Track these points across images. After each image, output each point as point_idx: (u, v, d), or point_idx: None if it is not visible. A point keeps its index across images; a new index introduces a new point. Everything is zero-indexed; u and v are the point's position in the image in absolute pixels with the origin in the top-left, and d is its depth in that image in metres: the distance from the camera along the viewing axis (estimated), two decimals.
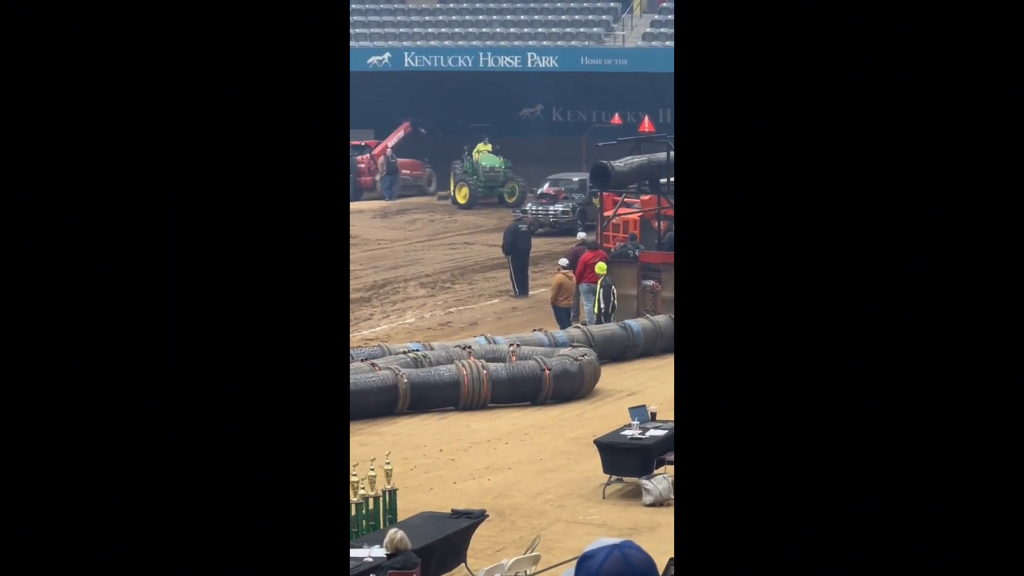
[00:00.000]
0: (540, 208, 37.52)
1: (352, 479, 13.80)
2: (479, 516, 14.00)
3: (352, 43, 46.16)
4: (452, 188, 43.38)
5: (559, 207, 37.42)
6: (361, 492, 13.79)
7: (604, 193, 29.17)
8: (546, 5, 46.85)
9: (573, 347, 22.12)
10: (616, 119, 42.77)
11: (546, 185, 39.21)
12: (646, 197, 30.04)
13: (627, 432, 16.57)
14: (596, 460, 16.55)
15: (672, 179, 25.85)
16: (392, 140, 45.78)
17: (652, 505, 15.74)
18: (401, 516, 14.09)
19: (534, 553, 12.93)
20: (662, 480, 15.72)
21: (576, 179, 38.84)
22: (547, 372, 20.75)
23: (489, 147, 43.17)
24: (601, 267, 25.55)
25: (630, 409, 17.30)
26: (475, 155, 42.92)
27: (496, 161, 42.71)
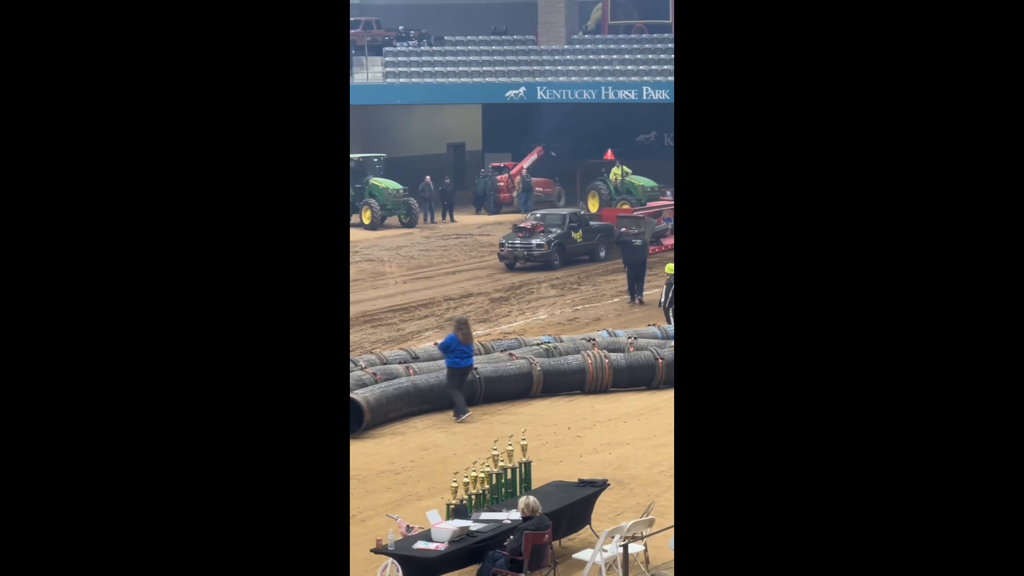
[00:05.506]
0: (519, 242, 33.91)
1: (493, 452, 13.87)
2: (602, 485, 13.98)
3: (492, 79, 46.30)
4: (593, 203, 42.78)
5: (535, 241, 33.63)
6: (501, 464, 13.83)
7: None
8: (659, 45, 46.64)
9: None
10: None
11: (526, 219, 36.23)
12: None
13: None
14: None
15: None
16: (527, 162, 45.89)
17: None
18: (535, 484, 14.10)
19: (649, 517, 12.87)
20: None
21: (563, 213, 35.68)
22: (660, 361, 20.66)
23: (623, 169, 42.78)
24: (669, 267, 25.52)
25: None
26: (625, 177, 42.39)
27: (650, 182, 42.14)
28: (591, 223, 35.42)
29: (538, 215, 35.42)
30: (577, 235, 34.36)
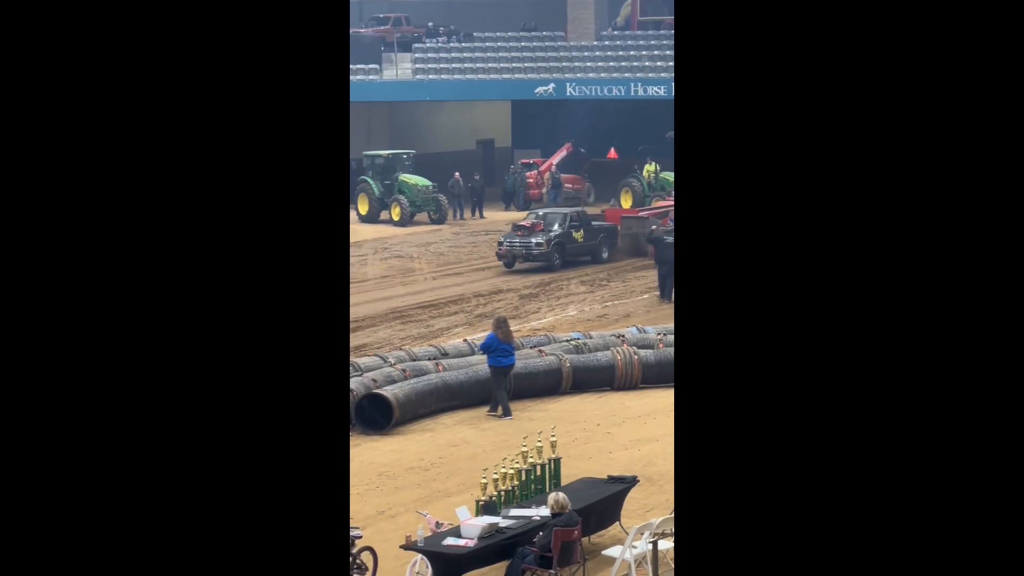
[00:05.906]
0: (518, 240, 32.79)
1: (522, 449, 13.86)
2: (631, 481, 13.96)
3: (521, 75, 46.28)
4: (627, 200, 42.56)
5: (535, 239, 32.50)
6: (530, 460, 13.81)
7: None
8: None
9: None
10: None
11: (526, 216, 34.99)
12: None
13: None
14: None
15: None
16: (556, 158, 45.89)
17: None
18: (564, 481, 14.08)
19: None
20: None
21: (564, 212, 34.67)
22: None
23: (655, 166, 42.62)
24: None
25: None
26: (658, 174, 42.21)
27: None
28: (593, 223, 34.26)
29: (539, 213, 34.42)
30: (578, 234, 33.28)
